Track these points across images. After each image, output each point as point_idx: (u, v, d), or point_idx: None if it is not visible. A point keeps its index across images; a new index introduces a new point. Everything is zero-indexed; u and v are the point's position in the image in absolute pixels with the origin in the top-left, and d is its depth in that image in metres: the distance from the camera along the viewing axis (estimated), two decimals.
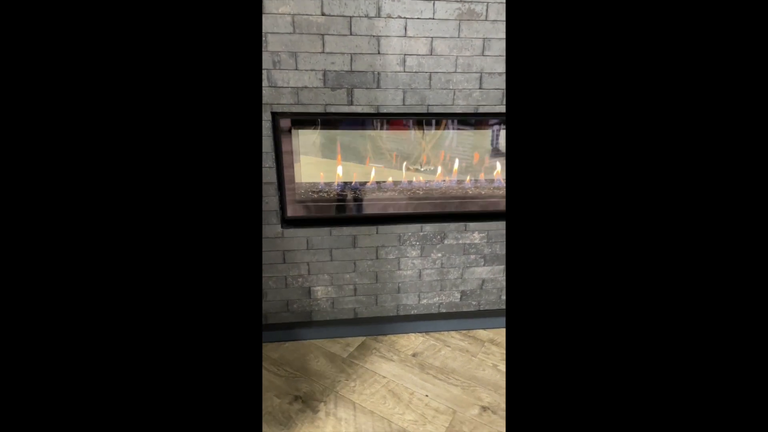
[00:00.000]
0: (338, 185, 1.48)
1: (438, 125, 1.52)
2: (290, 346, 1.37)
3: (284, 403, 1.13)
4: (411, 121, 1.40)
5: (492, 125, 1.66)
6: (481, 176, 1.58)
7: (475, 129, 1.56)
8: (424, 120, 1.37)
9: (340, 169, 1.48)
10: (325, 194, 1.41)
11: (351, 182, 1.51)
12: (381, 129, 1.52)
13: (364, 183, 1.50)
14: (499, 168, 1.63)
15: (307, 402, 1.14)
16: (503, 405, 1.13)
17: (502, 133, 1.81)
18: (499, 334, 1.44)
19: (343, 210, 1.32)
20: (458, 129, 1.51)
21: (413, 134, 1.57)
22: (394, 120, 1.30)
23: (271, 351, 1.34)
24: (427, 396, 1.16)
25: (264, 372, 1.25)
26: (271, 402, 1.14)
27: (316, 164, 1.56)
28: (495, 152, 1.93)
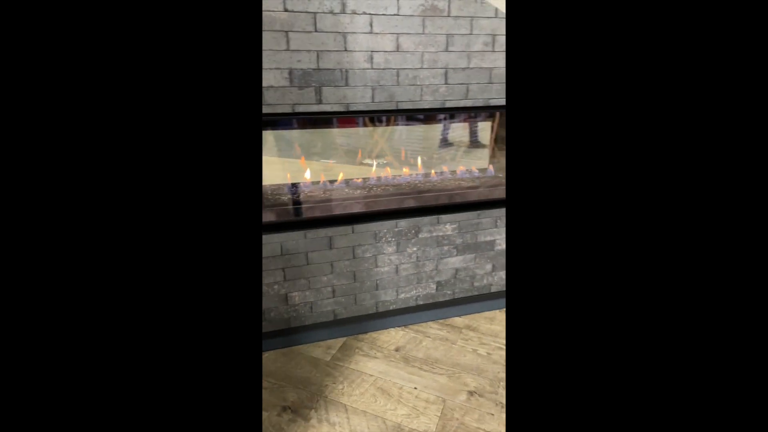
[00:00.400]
0: (305, 186, 1.44)
1: (388, 121, 1.53)
2: (270, 356, 1.32)
3: (273, 415, 1.10)
4: (363, 118, 1.40)
5: (441, 119, 1.70)
6: (445, 168, 1.62)
7: (425, 123, 1.60)
8: (374, 116, 1.37)
9: (308, 173, 1.45)
10: (294, 197, 1.37)
11: (319, 182, 1.48)
12: (336, 126, 1.51)
13: (333, 181, 1.47)
14: (460, 165, 1.68)
15: (297, 411, 1.11)
16: (489, 388, 1.19)
17: (453, 126, 1.87)
18: (474, 320, 1.49)
19: (314, 212, 1.29)
20: (407, 124, 1.55)
21: (362, 131, 1.57)
22: (344, 117, 1.28)
23: None
24: (415, 389, 1.18)
25: None
26: None
27: (272, 164, 1.51)
28: (443, 143, 1.99)
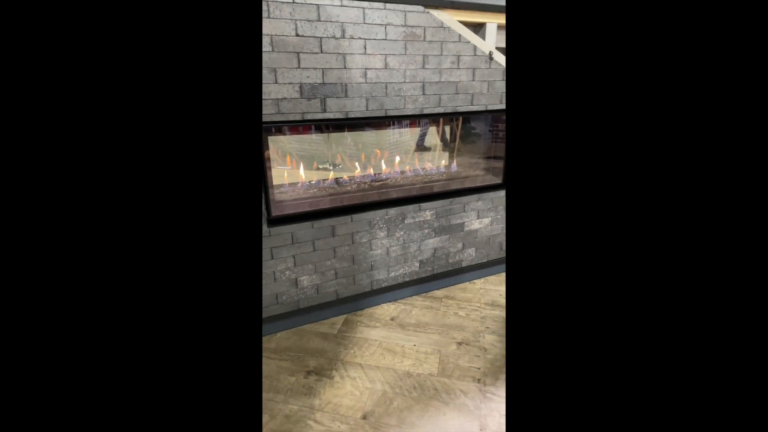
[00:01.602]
0: (302, 185, 1.63)
1: (341, 128, 1.74)
2: (282, 335, 1.49)
3: (300, 378, 1.28)
4: (324, 125, 1.62)
5: (422, 125, 1.98)
6: (417, 166, 1.89)
7: (375, 129, 1.84)
8: (323, 124, 1.60)
9: (302, 170, 1.64)
10: (294, 194, 1.56)
11: (313, 181, 1.67)
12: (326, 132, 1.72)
13: (325, 180, 1.68)
14: (428, 162, 1.96)
15: (321, 373, 1.30)
16: (472, 338, 1.47)
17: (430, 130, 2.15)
18: (450, 291, 1.78)
19: (318, 204, 1.49)
20: (355, 130, 1.79)
21: (315, 136, 1.77)
22: (294, 126, 1.45)
23: (266, 343, 1.44)
24: (414, 346, 1.43)
25: (267, 360, 1.36)
26: (287, 381, 1.27)
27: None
28: (420, 145, 2.25)
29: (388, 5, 1.30)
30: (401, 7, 1.32)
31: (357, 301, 1.62)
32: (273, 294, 1.46)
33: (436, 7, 1.38)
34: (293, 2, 1.18)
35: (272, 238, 1.39)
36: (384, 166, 1.79)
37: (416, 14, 1.35)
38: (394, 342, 1.45)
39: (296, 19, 1.20)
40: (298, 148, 1.74)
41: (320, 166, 1.81)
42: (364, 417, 1.14)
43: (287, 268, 1.45)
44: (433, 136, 2.06)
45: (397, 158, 1.84)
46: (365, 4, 1.26)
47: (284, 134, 1.50)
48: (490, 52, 1.52)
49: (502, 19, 1.53)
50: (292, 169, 1.68)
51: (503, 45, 1.60)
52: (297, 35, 1.21)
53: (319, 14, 1.22)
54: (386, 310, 1.64)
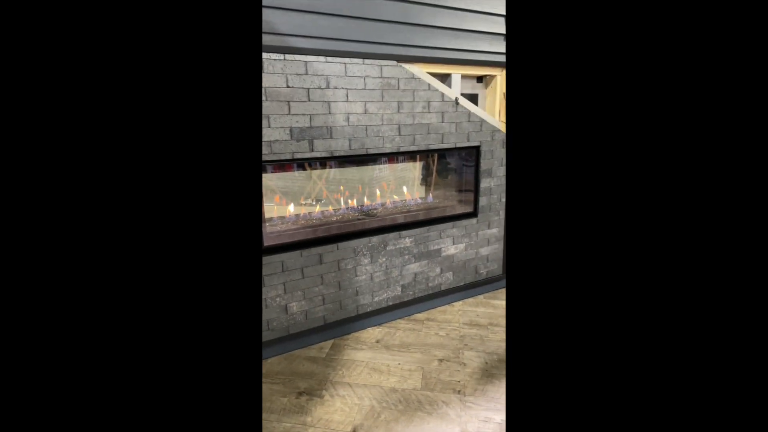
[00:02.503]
0: (290, 218, 1.76)
1: (323, 165, 1.90)
2: (273, 361, 1.56)
3: (292, 399, 1.35)
4: (296, 164, 1.78)
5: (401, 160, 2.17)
6: (396, 198, 2.06)
7: (358, 165, 2.00)
8: (312, 161, 1.77)
9: (292, 207, 1.77)
10: (284, 225, 1.68)
11: (300, 214, 1.81)
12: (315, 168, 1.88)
13: (311, 212, 1.82)
14: (406, 190, 2.14)
15: (311, 393, 1.38)
16: (452, 355, 1.58)
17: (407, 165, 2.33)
18: (431, 314, 1.89)
19: (306, 235, 1.62)
20: (341, 167, 1.95)
21: (297, 173, 1.90)
22: (285, 163, 1.60)
23: None
24: (399, 364, 1.53)
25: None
26: (279, 402, 1.34)
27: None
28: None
29: (366, 60, 1.50)
30: (377, 62, 1.53)
31: (344, 325, 1.72)
32: (264, 320, 1.54)
33: (408, 61, 1.60)
34: (284, 59, 1.36)
35: (264, 266, 1.49)
36: (366, 199, 1.95)
37: (390, 67, 1.56)
38: (379, 362, 1.54)
39: (287, 73, 1.38)
40: (285, 185, 1.88)
41: (304, 202, 1.95)
42: (354, 430, 1.21)
43: (278, 295, 1.55)
44: (411, 171, 2.26)
45: (378, 191, 2.01)
46: (346, 60, 1.47)
47: (275, 172, 1.65)
48: (456, 98, 1.74)
49: (464, 70, 1.76)
50: (281, 205, 1.81)
51: (467, 91, 1.83)
52: (288, 86, 1.39)
53: (306, 69, 1.41)
54: (371, 333, 1.74)
